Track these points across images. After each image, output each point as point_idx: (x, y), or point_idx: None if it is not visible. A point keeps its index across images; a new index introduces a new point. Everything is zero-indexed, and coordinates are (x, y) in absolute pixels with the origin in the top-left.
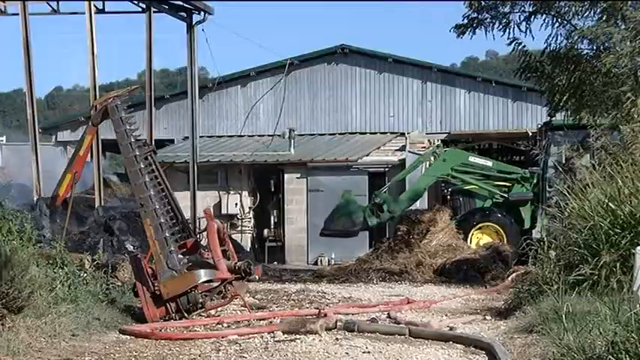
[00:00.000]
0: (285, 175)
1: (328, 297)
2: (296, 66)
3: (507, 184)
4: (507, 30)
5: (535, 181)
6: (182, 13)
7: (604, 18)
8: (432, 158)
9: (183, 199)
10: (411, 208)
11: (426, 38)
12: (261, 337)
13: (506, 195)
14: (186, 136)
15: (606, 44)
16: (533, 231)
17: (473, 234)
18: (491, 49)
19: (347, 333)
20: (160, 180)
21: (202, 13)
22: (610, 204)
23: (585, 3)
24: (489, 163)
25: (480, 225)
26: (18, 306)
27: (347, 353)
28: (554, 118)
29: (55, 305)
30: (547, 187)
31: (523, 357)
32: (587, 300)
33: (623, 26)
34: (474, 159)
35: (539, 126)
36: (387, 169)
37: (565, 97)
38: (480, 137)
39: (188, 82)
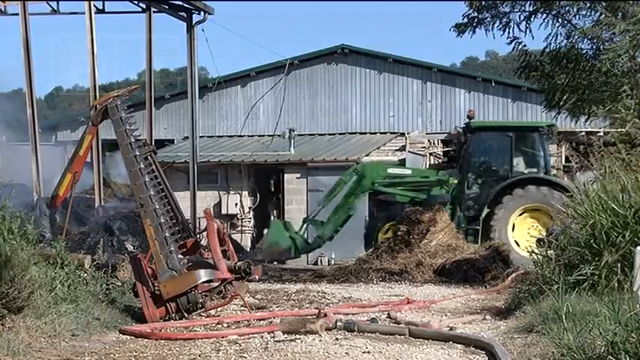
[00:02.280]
0: (285, 175)
1: (328, 297)
2: (296, 66)
3: (427, 187)
4: (507, 29)
5: (456, 182)
6: (182, 13)
7: (604, 15)
8: (353, 176)
9: (183, 199)
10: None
11: (426, 38)
12: (261, 337)
13: (424, 197)
14: (186, 136)
15: (606, 44)
16: None
17: (387, 231)
18: (491, 49)
19: (347, 333)
20: (160, 180)
21: (202, 13)
22: (611, 203)
23: (586, 3)
24: (408, 171)
25: (392, 222)
26: (18, 306)
27: (347, 353)
28: (472, 120)
29: (55, 305)
30: (466, 189)
31: (523, 357)
32: (587, 300)
33: (623, 22)
34: (392, 170)
35: (458, 128)
36: None
37: (565, 97)
38: None
39: (188, 82)
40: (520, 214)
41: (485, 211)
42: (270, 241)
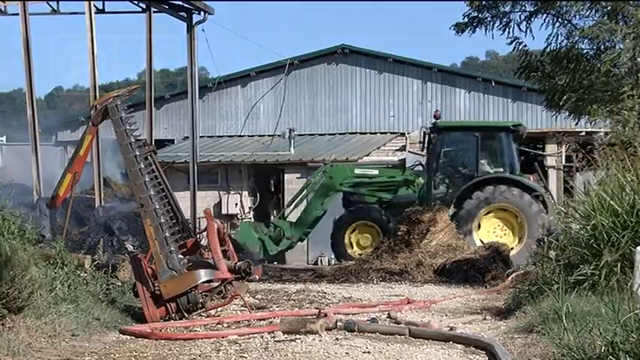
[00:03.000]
0: (285, 175)
1: (328, 297)
2: (296, 66)
3: (395, 187)
4: (508, 29)
5: (423, 182)
6: (182, 13)
7: (605, 17)
8: (322, 177)
9: (183, 199)
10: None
11: (426, 38)
12: (262, 337)
13: (391, 197)
14: (187, 136)
15: (607, 43)
16: None
17: (354, 230)
18: (491, 49)
19: (347, 333)
20: (160, 180)
21: (202, 13)
22: (612, 202)
23: (586, 3)
24: (375, 171)
25: (358, 222)
26: (18, 306)
27: (347, 353)
28: (438, 120)
29: (55, 305)
30: (433, 188)
31: (523, 357)
32: (587, 300)
33: (625, 26)
34: (359, 170)
35: (424, 128)
36: None
37: (565, 97)
38: None
39: (188, 82)
40: (485, 214)
41: (452, 210)
42: (239, 243)
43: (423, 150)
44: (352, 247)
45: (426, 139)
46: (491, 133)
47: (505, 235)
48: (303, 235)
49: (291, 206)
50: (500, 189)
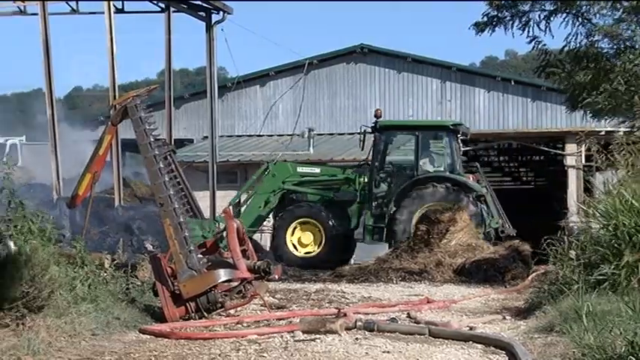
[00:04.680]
0: None
1: (348, 297)
2: (315, 65)
3: (336, 186)
4: (527, 28)
5: (365, 181)
6: (201, 13)
7: (624, 17)
8: (264, 175)
9: (202, 198)
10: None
11: (445, 38)
12: (281, 336)
13: (332, 196)
14: (206, 135)
15: (627, 42)
16: (355, 232)
17: (295, 227)
18: (510, 48)
19: (367, 333)
20: (179, 180)
21: (221, 12)
22: (633, 201)
23: (607, 2)
24: (317, 170)
25: (299, 220)
26: (38, 305)
27: (367, 353)
28: (379, 120)
29: (75, 305)
30: (374, 187)
31: (543, 357)
32: (607, 300)
33: None
34: (302, 169)
35: (364, 127)
36: None
37: (584, 95)
38: (500, 137)
39: (207, 81)
40: (424, 212)
41: (391, 209)
42: None
43: (362, 149)
44: (295, 247)
45: (365, 138)
46: (432, 132)
47: None
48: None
49: (230, 204)
50: (438, 188)
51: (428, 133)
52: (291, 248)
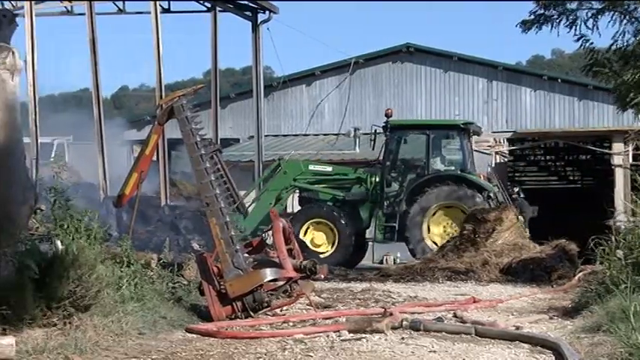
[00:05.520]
0: None
1: (394, 296)
2: (361, 65)
3: (348, 185)
4: (574, 27)
5: (376, 181)
6: (247, 13)
7: None
8: (275, 172)
9: (248, 198)
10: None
11: (491, 37)
12: (327, 336)
13: (343, 195)
14: (252, 135)
15: None
16: (367, 231)
17: (308, 228)
18: (557, 47)
19: (413, 332)
20: (225, 179)
21: (267, 12)
22: None
23: None
24: (329, 168)
25: (312, 220)
26: (85, 304)
27: (413, 352)
28: (390, 119)
29: (122, 304)
30: (385, 187)
31: (590, 357)
32: None
33: None
34: (314, 167)
35: (375, 127)
36: None
37: (632, 95)
38: (546, 136)
39: (253, 81)
40: (435, 212)
41: (403, 208)
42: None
43: (373, 149)
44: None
45: (375, 137)
46: (443, 131)
47: (456, 232)
48: (256, 229)
49: (246, 198)
50: (450, 187)
51: (439, 133)
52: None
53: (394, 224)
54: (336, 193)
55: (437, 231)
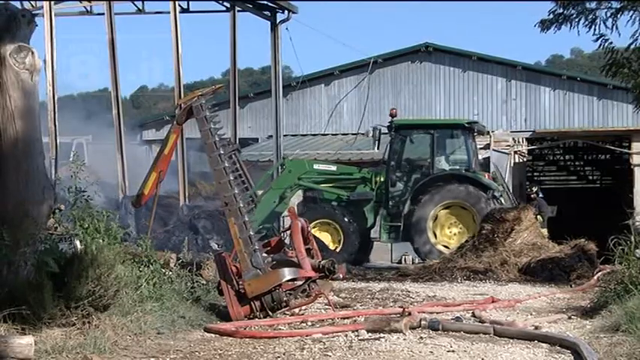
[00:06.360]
0: None
1: (412, 296)
2: (380, 64)
3: (353, 185)
4: (593, 26)
5: (381, 180)
6: (266, 12)
7: None
8: (279, 171)
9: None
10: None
11: (510, 36)
12: (346, 335)
13: (348, 195)
14: (270, 134)
15: None
16: (372, 230)
17: (313, 228)
18: (576, 46)
19: (431, 332)
20: (244, 179)
21: (286, 12)
22: None
23: None
24: (333, 167)
25: (318, 220)
26: (104, 304)
27: (431, 352)
28: (395, 118)
29: (141, 303)
30: (390, 186)
31: (609, 356)
32: None
33: None
34: (318, 166)
35: (379, 126)
36: None
37: None
38: (565, 135)
39: (272, 80)
40: (440, 211)
41: (408, 208)
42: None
43: (376, 148)
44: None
45: (380, 137)
46: (447, 131)
47: (460, 232)
48: (261, 228)
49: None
50: (454, 186)
51: (443, 132)
52: None
53: (399, 224)
54: (341, 192)
55: (442, 230)
